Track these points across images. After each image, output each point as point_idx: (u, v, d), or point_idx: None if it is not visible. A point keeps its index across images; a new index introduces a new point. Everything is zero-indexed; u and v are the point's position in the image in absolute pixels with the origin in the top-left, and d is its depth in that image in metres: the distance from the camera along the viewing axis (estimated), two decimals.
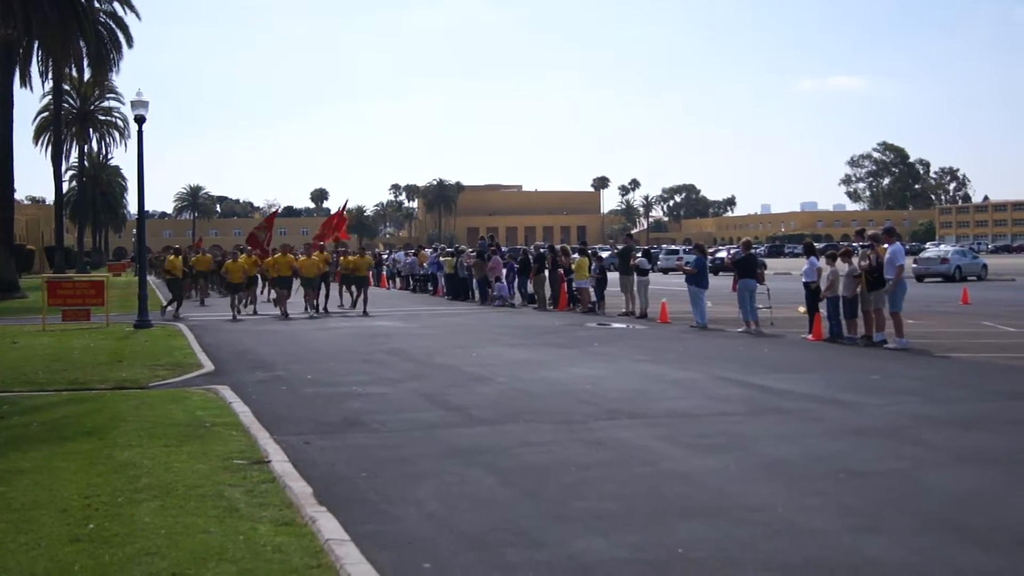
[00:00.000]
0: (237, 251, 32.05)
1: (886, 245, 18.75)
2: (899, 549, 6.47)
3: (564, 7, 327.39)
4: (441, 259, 40.51)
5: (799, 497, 7.78)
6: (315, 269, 29.81)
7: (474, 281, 35.60)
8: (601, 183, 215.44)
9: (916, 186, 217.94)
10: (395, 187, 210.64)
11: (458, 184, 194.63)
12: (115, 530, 6.84)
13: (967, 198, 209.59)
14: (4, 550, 6.45)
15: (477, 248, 36.46)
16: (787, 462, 8.99)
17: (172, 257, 31.54)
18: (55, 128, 65.74)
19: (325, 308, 30.74)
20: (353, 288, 32.02)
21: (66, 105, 79.86)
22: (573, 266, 29.87)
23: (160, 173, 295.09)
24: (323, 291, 31.07)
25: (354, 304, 31.29)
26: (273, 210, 38.74)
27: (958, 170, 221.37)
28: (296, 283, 30.47)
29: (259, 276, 31.76)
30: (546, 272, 31.67)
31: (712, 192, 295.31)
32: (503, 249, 41.00)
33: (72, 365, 16.83)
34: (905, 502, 7.60)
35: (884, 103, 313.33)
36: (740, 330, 21.92)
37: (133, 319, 25.58)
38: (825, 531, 6.89)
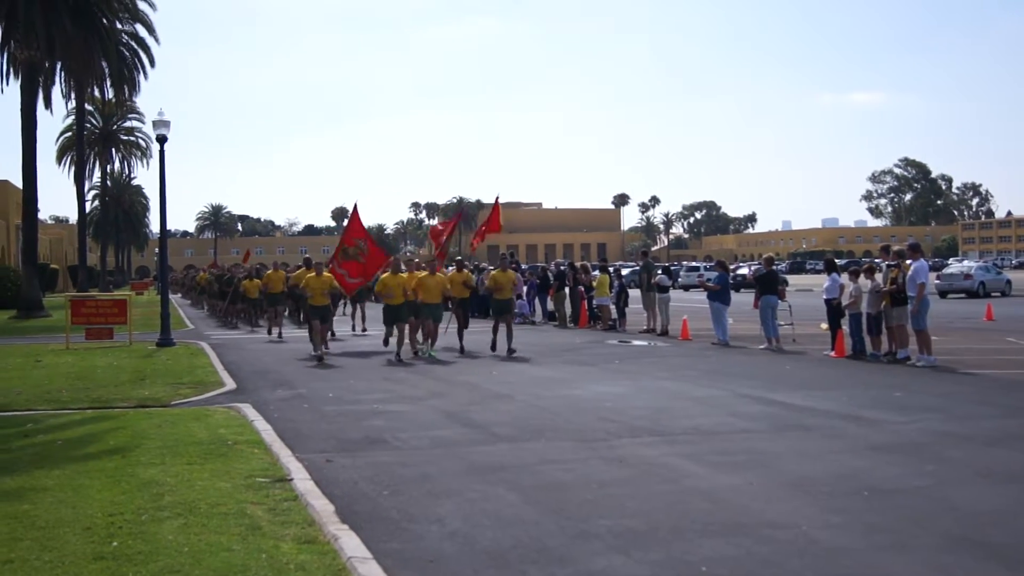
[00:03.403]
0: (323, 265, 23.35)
1: (910, 261, 18.67)
2: (923, 567, 6.42)
3: (582, 24, 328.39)
4: None
5: (822, 514, 7.73)
6: (439, 291, 21.94)
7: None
8: (621, 200, 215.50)
9: (938, 202, 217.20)
10: (415, 205, 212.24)
11: (478, 202, 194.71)
12: (139, 548, 6.86)
13: (990, 213, 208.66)
14: (29, 568, 6.48)
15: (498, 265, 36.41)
16: (810, 479, 8.94)
17: (272, 272, 29.96)
18: (78, 148, 66.06)
19: (461, 347, 22.38)
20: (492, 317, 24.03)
21: (89, 125, 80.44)
22: (594, 283, 29.87)
23: (182, 192, 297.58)
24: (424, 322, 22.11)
25: (495, 334, 22.50)
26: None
27: (980, 185, 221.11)
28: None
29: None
30: (566, 289, 31.70)
31: (733, 209, 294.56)
32: (523, 266, 41.03)
33: (95, 383, 16.93)
34: (929, 520, 7.55)
35: (905, 118, 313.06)
36: (762, 347, 21.85)
37: (155, 338, 25.73)
38: (849, 549, 6.84)
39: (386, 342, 22.00)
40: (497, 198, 29.22)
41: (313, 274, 22.28)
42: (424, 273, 22.04)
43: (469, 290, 24.32)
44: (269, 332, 28.43)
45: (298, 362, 20.86)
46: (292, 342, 25.77)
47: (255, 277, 32.48)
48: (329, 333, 22.96)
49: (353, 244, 24.17)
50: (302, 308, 24.37)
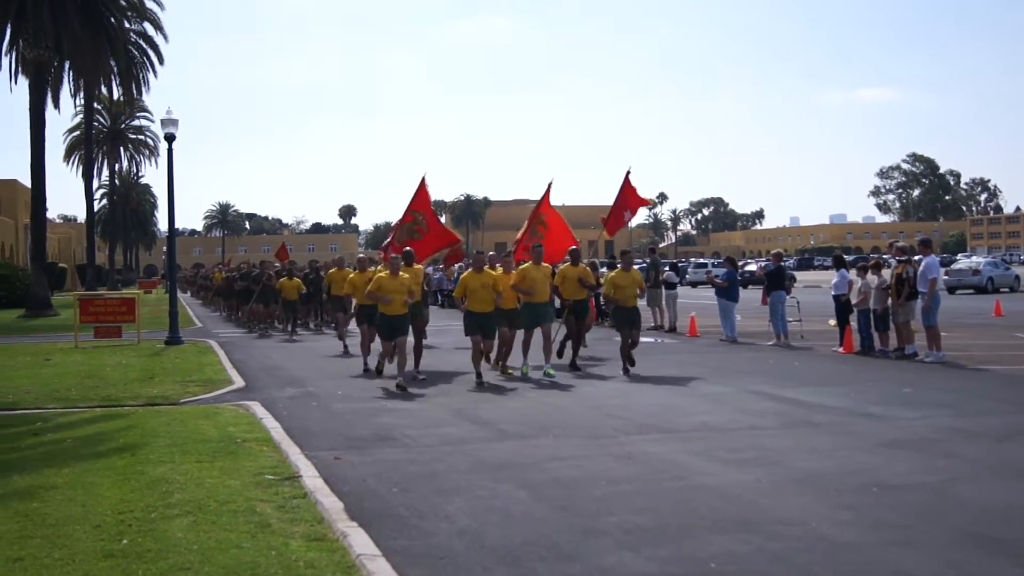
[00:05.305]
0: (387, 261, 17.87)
1: (920, 257, 18.63)
2: (932, 563, 6.41)
3: (589, 22, 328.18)
4: None
5: (832, 511, 7.72)
6: (548, 286, 17.30)
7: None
8: None
9: (947, 197, 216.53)
10: None
11: (485, 199, 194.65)
12: (148, 545, 6.88)
13: (999, 209, 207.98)
14: (39, 565, 6.49)
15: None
16: (819, 476, 8.93)
17: (335, 271, 25.20)
18: (86, 147, 66.30)
19: (571, 357, 18.51)
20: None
21: (97, 124, 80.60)
22: (602, 280, 29.79)
23: (190, 191, 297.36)
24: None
25: (624, 359, 17.54)
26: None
27: (989, 180, 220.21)
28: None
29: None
30: None
31: (740, 205, 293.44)
32: None
33: (104, 382, 16.96)
34: (938, 516, 7.53)
35: (913, 114, 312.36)
36: (770, 343, 21.81)
37: (164, 336, 25.77)
38: (858, 545, 6.83)
39: (475, 359, 16.69)
40: (628, 172, 22.67)
41: (386, 273, 16.30)
42: (527, 263, 17.36)
43: (587, 290, 18.61)
44: (345, 350, 22.15)
45: (307, 360, 20.87)
46: (304, 340, 25.72)
47: (294, 275, 29.31)
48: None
49: (411, 219, 20.05)
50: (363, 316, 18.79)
